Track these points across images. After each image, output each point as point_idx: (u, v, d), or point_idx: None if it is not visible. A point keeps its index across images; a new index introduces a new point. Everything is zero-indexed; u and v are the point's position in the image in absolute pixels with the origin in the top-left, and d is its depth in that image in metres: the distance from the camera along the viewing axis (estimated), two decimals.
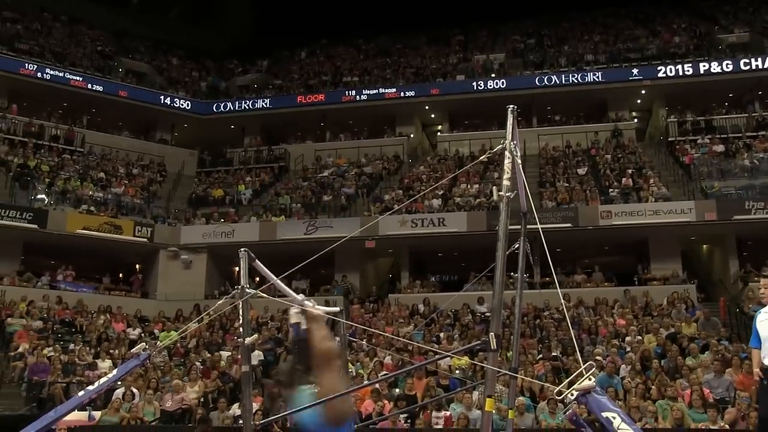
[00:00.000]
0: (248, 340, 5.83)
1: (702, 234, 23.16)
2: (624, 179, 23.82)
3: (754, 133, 26.30)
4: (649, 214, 21.50)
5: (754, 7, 35.18)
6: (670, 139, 27.63)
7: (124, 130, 32.12)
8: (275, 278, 6.25)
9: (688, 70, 28.75)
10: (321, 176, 28.13)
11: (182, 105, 32.28)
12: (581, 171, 25.49)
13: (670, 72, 28.95)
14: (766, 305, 6.11)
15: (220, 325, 19.98)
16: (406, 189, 24.99)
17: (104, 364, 16.62)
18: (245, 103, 32.91)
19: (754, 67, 27.89)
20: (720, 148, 25.22)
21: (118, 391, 14.01)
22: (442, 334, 17.64)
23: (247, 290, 5.77)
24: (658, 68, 29.25)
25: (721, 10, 35.73)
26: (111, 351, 17.66)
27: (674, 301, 18.75)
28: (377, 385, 13.21)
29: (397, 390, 13.99)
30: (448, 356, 13.08)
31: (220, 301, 7.21)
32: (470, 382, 13.24)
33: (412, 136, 31.87)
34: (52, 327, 19.58)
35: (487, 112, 28.57)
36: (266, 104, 32.56)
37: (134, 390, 14.15)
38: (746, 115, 27.95)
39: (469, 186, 24.66)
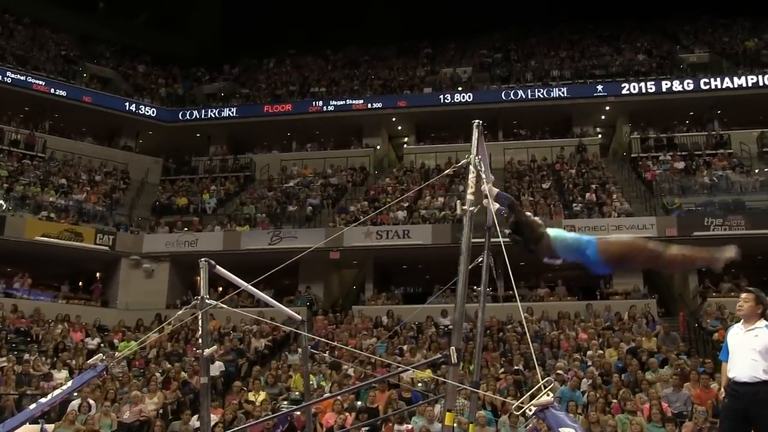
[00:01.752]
0: (207, 351, 5.76)
1: None
2: (588, 194, 24.08)
3: (714, 151, 26.83)
4: (612, 229, 21.72)
5: (714, 28, 36.04)
6: (633, 156, 28.04)
7: (88, 136, 31.66)
8: (245, 283, 6.20)
9: (651, 88, 29.24)
10: (286, 186, 28.00)
11: (148, 112, 31.94)
12: (546, 185, 25.72)
13: (634, 89, 29.41)
14: (740, 320, 6.16)
15: (182, 335, 19.73)
16: (372, 200, 24.99)
17: (60, 374, 16.26)
18: (212, 111, 32.67)
19: (713, 87, 28.48)
20: (681, 165, 25.66)
21: (73, 402, 13.67)
22: (405, 347, 17.61)
23: (207, 301, 5.71)
24: (622, 85, 29.70)
25: (682, 30, 36.47)
26: (68, 361, 17.28)
27: (635, 316, 18.96)
28: (339, 397, 13.13)
29: (359, 402, 13.92)
30: (410, 369, 13.05)
31: (180, 312, 7.10)
32: (432, 395, 13.22)
33: (378, 147, 31.91)
34: (6, 336, 19.11)
35: (454, 125, 28.74)
36: (233, 113, 32.38)
37: (91, 401, 13.83)
38: (706, 133, 28.52)
39: (434, 198, 24.72)
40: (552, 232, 4.92)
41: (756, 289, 6.20)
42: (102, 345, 19.41)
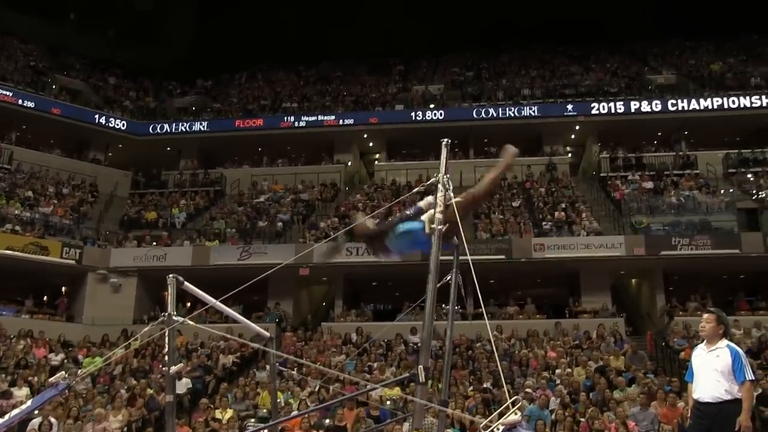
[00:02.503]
0: (173, 368, 5.66)
1: (631, 268, 23.75)
2: (557, 212, 24.27)
3: (681, 172, 27.21)
4: (581, 247, 21.95)
5: (680, 51, 36.72)
6: (602, 175, 28.32)
7: (56, 149, 31.21)
8: (213, 300, 6.12)
9: (620, 108, 29.61)
10: (257, 202, 27.85)
11: (118, 125, 31.60)
12: (516, 203, 25.87)
13: (603, 109, 29.75)
14: (704, 340, 6.22)
15: (149, 351, 19.46)
16: (342, 217, 24.93)
17: (20, 392, 15.90)
18: (183, 125, 32.43)
19: (680, 108, 28.96)
20: (649, 184, 25.98)
21: (34, 421, 13.38)
22: (374, 364, 17.54)
23: (174, 317, 5.63)
24: (592, 105, 30.04)
25: (650, 52, 37.09)
26: (30, 378, 16.93)
27: (604, 334, 19.08)
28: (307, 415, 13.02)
29: (328, 420, 13.81)
30: (379, 387, 12.99)
31: (147, 328, 6.99)
32: (401, 413, 13.16)
33: (349, 163, 31.89)
34: None
35: (425, 142, 28.77)
36: (204, 127, 32.16)
37: (52, 420, 13.55)
38: (673, 153, 28.92)
39: None
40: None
41: (717, 309, 6.28)
42: (66, 361, 19.09)
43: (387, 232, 5.03)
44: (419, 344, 18.01)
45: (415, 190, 6.04)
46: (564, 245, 22.03)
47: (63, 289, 25.05)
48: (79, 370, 16.69)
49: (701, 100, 28.98)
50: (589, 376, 15.82)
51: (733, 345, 5.96)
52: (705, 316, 6.09)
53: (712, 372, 5.83)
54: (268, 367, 12.29)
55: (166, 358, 5.75)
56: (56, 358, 19.29)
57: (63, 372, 5.66)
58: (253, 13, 38.24)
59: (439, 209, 4.43)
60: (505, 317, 21.52)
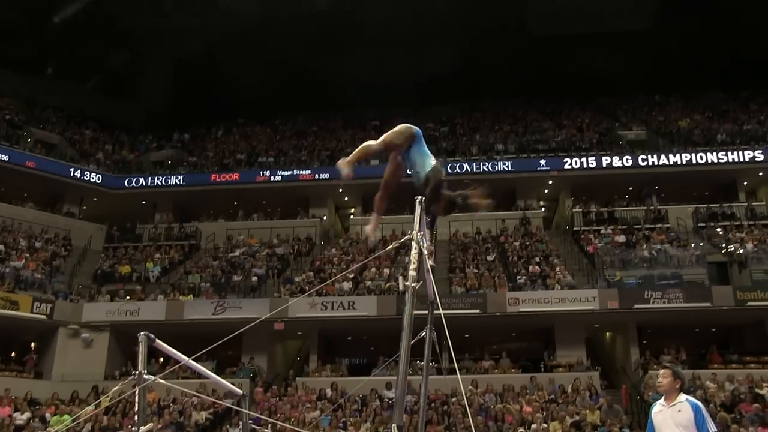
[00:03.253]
0: (143, 429, 5.61)
1: (605, 322, 23.88)
2: (531, 266, 24.44)
3: (652, 225, 27.59)
4: (555, 301, 22.06)
5: (649, 106, 37.59)
6: (575, 229, 28.63)
7: (29, 202, 30.94)
8: (185, 357, 6.10)
9: (592, 163, 30.11)
10: (232, 256, 27.76)
11: (93, 178, 31.51)
12: (490, 257, 26.02)
13: (576, 164, 30.24)
14: (662, 395, 6.29)
15: (119, 408, 19.10)
16: (317, 271, 24.92)
17: None
18: (158, 179, 32.43)
19: (650, 164, 29.55)
20: (621, 238, 26.29)
21: None
22: (350, 420, 17.37)
23: (145, 376, 5.60)
24: (564, 160, 30.55)
25: (620, 108, 37.90)
26: None
27: (579, 389, 19.09)
28: None
29: None
30: None
31: (116, 387, 6.94)
32: None
33: (325, 218, 31.97)
34: None
35: (400, 197, 28.55)
36: (179, 181, 32.19)
37: None
38: (645, 207, 29.38)
39: (380, 270, 24.78)
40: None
41: (672, 364, 6.40)
42: (32, 420, 18.66)
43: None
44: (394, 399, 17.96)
45: (390, 246, 6.13)
46: (538, 299, 22.14)
47: (32, 344, 24.62)
48: (47, 429, 16.38)
49: (671, 156, 29.64)
50: (565, 431, 15.78)
51: (692, 399, 6.05)
52: (661, 371, 6.19)
53: (675, 427, 5.90)
54: (241, 423, 12.14)
55: (136, 417, 5.70)
56: (22, 417, 18.83)
57: None
58: (229, 69, 38.59)
59: (412, 266, 4.49)
60: (481, 371, 21.48)
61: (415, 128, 5.53)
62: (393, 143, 5.52)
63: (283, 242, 28.88)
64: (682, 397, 6.00)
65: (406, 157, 5.52)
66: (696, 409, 5.88)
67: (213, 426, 18.72)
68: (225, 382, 8.14)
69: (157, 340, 5.70)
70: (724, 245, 25.19)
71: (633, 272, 24.12)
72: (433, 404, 18.03)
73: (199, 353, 6.26)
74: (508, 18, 37.00)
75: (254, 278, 25.40)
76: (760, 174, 29.42)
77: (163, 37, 38.59)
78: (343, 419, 17.60)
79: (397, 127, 5.52)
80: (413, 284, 4.35)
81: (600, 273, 24.09)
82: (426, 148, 5.52)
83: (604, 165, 29.99)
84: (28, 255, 25.94)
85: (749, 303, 21.21)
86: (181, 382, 19.25)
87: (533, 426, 16.37)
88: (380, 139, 5.61)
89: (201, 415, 18.79)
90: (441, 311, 4.85)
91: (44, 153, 31.65)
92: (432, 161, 5.44)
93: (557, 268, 23.99)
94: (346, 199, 33.36)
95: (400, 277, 4.65)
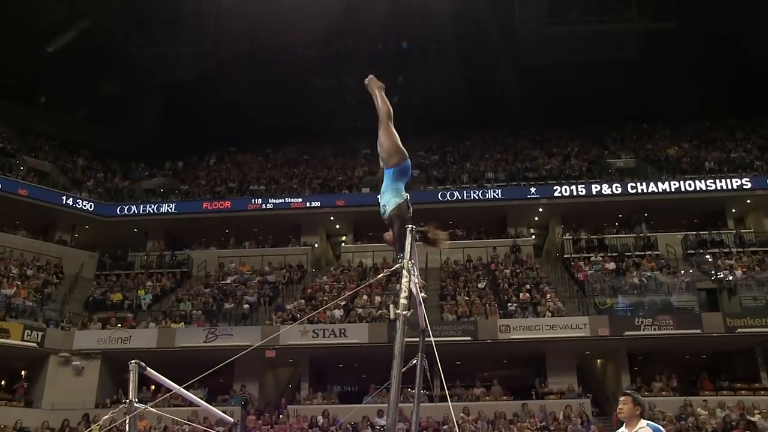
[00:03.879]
0: None
1: (596, 349, 23.95)
2: (522, 294, 24.53)
3: (642, 253, 27.78)
4: (546, 328, 22.14)
5: (638, 134, 37.97)
6: (565, 256, 28.76)
7: (21, 229, 30.89)
8: (176, 386, 6.16)
9: (582, 191, 30.34)
10: (223, 283, 27.78)
11: (85, 206, 31.51)
12: (481, 285, 26.11)
13: (565, 192, 30.45)
14: (623, 423, 6.32)
15: None
16: (309, 299, 24.95)
17: None
18: (150, 207, 32.46)
19: (639, 191, 29.82)
20: (611, 265, 26.45)
21: None
22: None
23: (135, 404, 5.65)
24: (554, 188, 30.78)
25: (609, 136, 38.27)
26: None
27: (570, 416, 19.12)
28: None
29: None
30: None
31: (107, 415, 6.96)
32: None
33: (316, 245, 32.02)
34: None
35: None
36: (171, 209, 32.23)
37: None
38: (634, 235, 29.59)
39: (371, 297, 24.83)
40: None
41: (633, 391, 6.47)
42: None
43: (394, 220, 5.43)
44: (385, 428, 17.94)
45: (381, 275, 6.23)
46: (529, 326, 22.22)
47: (22, 372, 24.48)
48: None
49: (659, 184, 29.91)
50: None
51: (653, 423, 6.11)
52: (621, 398, 6.23)
53: None
54: None
55: None
56: None
57: None
58: (221, 97, 38.86)
59: (403, 294, 4.58)
60: (472, 399, 21.50)
61: (408, 161, 5.70)
62: (391, 138, 5.74)
63: (275, 270, 28.91)
64: (643, 422, 6.06)
65: (385, 175, 5.66)
66: None
67: None
68: (216, 410, 8.20)
69: (147, 368, 5.78)
70: (713, 272, 25.38)
71: (623, 299, 24.26)
72: (424, 431, 18.02)
73: (191, 381, 6.32)
74: (497, 47, 37.43)
75: (245, 306, 25.39)
76: (748, 201, 29.69)
77: (155, 65, 38.88)
78: None
79: (398, 143, 5.74)
80: (404, 312, 4.43)
81: (590, 300, 24.21)
82: (402, 185, 5.63)
83: (594, 193, 30.23)
84: (19, 282, 25.89)
85: (739, 330, 21.34)
86: (172, 410, 19.26)
87: None
88: (390, 128, 5.82)
89: None
90: (432, 338, 4.94)
91: (36, 181, 31.67)
92: (399, 200, 5.52)
93: (548, 296, 24.09)
94: (337, 226, 33.45)
95: (391, 305, 4.73)
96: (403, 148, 5.70)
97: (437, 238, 5.62)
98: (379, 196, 5.70)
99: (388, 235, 5.52)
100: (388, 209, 5.49)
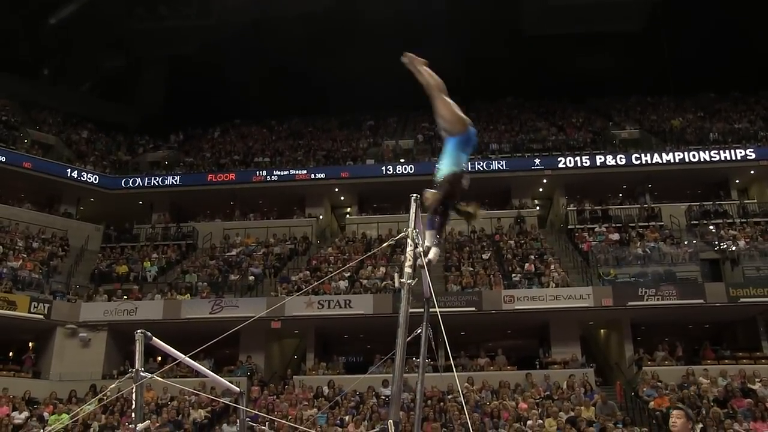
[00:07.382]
0: (140, 426, 5.75)
1: (599, 319, 24.07)
2: (526, 264, 24.61)
3: (646, 223, 27.81)
4: (550, 299, 22.23)
5: (642, 106, 37.79)
6: (569, 227, 28.82)
7: (26, 202, 31.02)
8: (182, 355, 6.24)
9: (586, 162, 30.28)
10: (229, 255, 27.89)
11: (90, 179, 31.57)
12: (486, 256, 26.18)
13: (570, 163, 30.41)
14: None
15: (117, 407, 19.23)
16: (314, 270, 25.06)
17: None
18: (155, 179, 32.51)
19: (644, 162, 29.74)
20: (615, 236, 26.48)
21: None
22: (346, 417, 17.53)
23: (142, 374, 5.72)
24: (559, 159, 30.71)
25: (614, 108, 38.11)
26: None
27: (574, 385, 19.28)
28: None
29: None
30: None
31: (114, 384, 7.06)
32: None
33: (321, 217, 32.12)
34: None
35: (396, 196, 29.09)
36: (176, 181, 32.26)
37: None
38: (638, 206, 29.58)
39: (376, 269, 24.93)
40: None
41: (684, 406, 6.47)
42: (30, 419, 18.78)
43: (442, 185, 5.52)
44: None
45: (385, 243, 6.27)
46: (533, 297, 22.31)
47: (30, 344, 24.71)
48: (44, 428, 16.50)
49: (663, 155, 29.82)
50: (560, 427, 15.99)
51: None
52: (674, 412, 6.20)
53: None
54: (238, 421, 12.31)
55: (134, 415, 5.84)
56: (20, 417, 18.94)
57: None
58: (225, 70, 38.77)
59: (408, 263, 4.62)
60: (477, 369, 21.64)
61: (472, 129, 5.75)
62: (449, 108, 5.73)
63: (280, 242, 29.01)
64: None
65: (447, 143, 5.73)
66: None
67: (211, 424, 18.85)
68: (222, 380, 8.31)
69: (153, 338, 5.85)
70: (716, 243, 25.40)
71: (627, 270, 24.33)
72: (429, 401, 18.20)
73: (195, 351, 6.39)
74: (501, 19, 37.21)
75: (251, 277, 25.53)
76: (752, 172, 29.63)
77: (159, 39, 38.77)
78: (340, 417, 17.75)
79: (457, 112, 5.70)
80: (409, 281, 4.46)
81: (594, 270, 24.29)
82: (464, 155, 5.73)
83: (598, 164, 30.17)
84: (25, 255, 26.05)
85: (742, 299, 21.40)
86: (178, 381, 19.47)
87: (529, 422, 16.56)
88: (445, 99, 5.79)
89: (199, 413, 18.92)
90: (437, 309, 4.95)
91: (41, 154, 31.74)
92: (455, 168, 5.60)
93: (552, 266, 24.16)
94: (342, 198, 33.52)
95: (396, 275, 4.77)
96: (465, 117, 5.71)
97: (476, 211, 5.72)
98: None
99: (430, 193, 5.55)
100: (441, 174, 5.57)
